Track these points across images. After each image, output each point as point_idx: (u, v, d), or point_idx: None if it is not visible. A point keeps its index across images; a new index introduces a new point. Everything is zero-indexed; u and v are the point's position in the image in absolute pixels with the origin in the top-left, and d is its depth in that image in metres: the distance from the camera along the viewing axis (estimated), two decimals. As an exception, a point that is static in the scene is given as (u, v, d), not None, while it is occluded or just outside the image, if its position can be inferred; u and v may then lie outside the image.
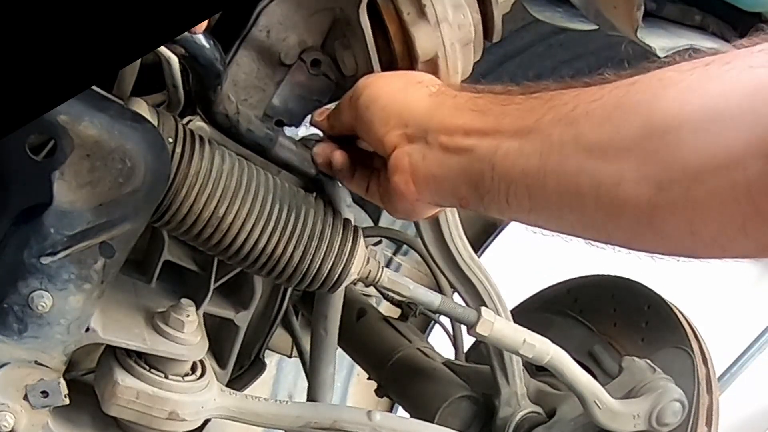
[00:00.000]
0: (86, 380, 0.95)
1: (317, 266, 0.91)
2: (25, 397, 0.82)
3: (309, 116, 1.05)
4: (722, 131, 0.59)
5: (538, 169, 0.71)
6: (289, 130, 1.05)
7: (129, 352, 0.89)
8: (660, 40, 1.11)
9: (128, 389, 0.87)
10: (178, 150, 0.83)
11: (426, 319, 1.75)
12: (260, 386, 1.44)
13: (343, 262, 0.92)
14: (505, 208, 0.76)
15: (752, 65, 0.60)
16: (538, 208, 0.74)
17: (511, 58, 1.71)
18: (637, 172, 0.64)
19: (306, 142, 1.05)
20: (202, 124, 0.95)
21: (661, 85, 0.65)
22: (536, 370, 1.29)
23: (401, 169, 0.84)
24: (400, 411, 1.41)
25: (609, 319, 1.36)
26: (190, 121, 0.94)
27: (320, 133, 0.99)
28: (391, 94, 0.87)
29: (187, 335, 0.90)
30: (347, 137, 0.94)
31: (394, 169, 0.85)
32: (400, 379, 1.32)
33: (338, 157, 0.93)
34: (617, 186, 0.65)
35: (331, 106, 0.97)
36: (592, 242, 0.74)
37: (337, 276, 0.92)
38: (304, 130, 1.08)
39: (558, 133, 0.70)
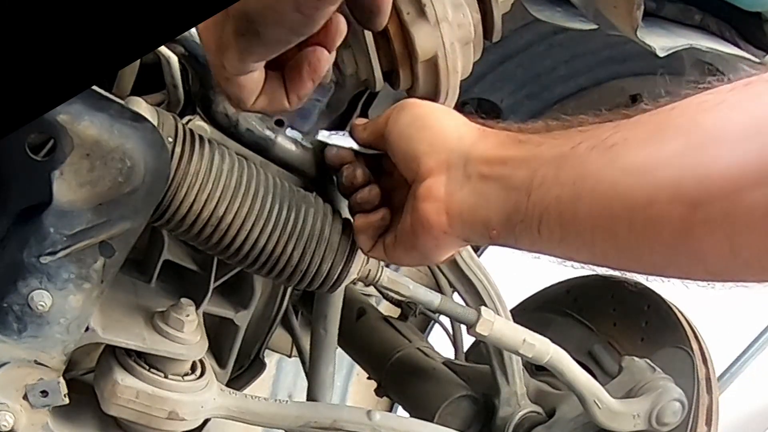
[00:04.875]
0: (86, 380, 0.95)
1: (317, 266, 0.91)
2: (25, 397, 0.82)
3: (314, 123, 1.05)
4: (763, 146, 0.58)
5: (572, 196, 0.70)
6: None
7: (129, 352, 0.89)
8: (660, 40, 1.11)
9: (128, 389, 0.87)
10: (178, 149, 0.83)
11: (426, 319, 1.75)
12: (260, 386, 1.44)
13: (343, 261, 0.92)
14: (536, 238, 0.75)
15: None
16: (570, 236, 0.72)
17: (511, 57, 1.71)
18: (672, 190, 0.63)
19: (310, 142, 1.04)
20: (201, 123, 0.95)
21: (700, 108, 0.64)
22: (536, 369, 1.30)
23: (435, 198, 0.81)
24: (400, 411, 1.41)
25: (609, 319, 1.37)
26: (189, 120, 0.94)
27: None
28: (441, 120, 0.85)
29: (187, 335, 0.90)
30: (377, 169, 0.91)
31: (425, 196, 0.82)
32: (399, 379, 1.32)
33: (359, 172, 0.90)
34: (651, 206, 0.64)
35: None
36: (625, 270, 0.73)
37: (336, 275, 0.92)
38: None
39: (594, 159, 0.69)
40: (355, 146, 0.92)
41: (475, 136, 0.82)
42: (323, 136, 0.93)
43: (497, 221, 0.77)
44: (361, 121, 0.94)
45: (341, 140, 0.92)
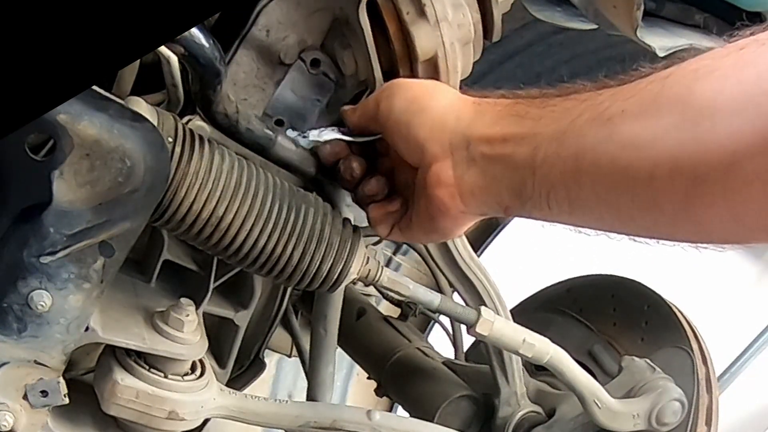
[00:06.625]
0: (86, 380, 0.95)
1: (317, 265, 0.91)
2: (25, 397, 0.82)
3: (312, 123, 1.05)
4: (757, 115, 0.58)
5: (575, 172, 0.71)
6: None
7: (128, 352, 0.89)
8: (660, 40, 1.11)
9: (128, 389, 0.87)
10: (178, 149, 0.83)
11: (426, 319, 1.75)
12: (260, 386, 1.44)
13: (343, 261, 0.92)
14: (546, 212, 0.76)
15: None
16: (578, 210, 0.73)
17: (511, 57, 1.71)
18: (671, 165, 0.63)
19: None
20: (201, 123, 0.95)
21: (695, 76, 0.64)
22: (536, 369, 1.29)
23: (445, 183, 0.83)
24: (400, 410, 1.41)
25: (609, 319, 1.36)
26: (189, 120, 0.94)
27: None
28: (435, 99, 0.85)
29: (187, 334, 0.90)
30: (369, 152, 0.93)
31: (436, 183, 0.83)
32: (399, 379, 1.32)
33: (356, 165, 0.91)
34: (651, 181, 0.64)
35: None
36: (635, 237, 0.74)
37: (336, 275, 0.92)
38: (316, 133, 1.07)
39: (593, 133, 0.70)
40: (346, 137, 0.93)
41: (472, 112, 0.83)
42: (314, 136, 0.94)
43: (508, 198, 0.79)
44: (351, 106, 0.95)
45: (331, 134, 0.93)
